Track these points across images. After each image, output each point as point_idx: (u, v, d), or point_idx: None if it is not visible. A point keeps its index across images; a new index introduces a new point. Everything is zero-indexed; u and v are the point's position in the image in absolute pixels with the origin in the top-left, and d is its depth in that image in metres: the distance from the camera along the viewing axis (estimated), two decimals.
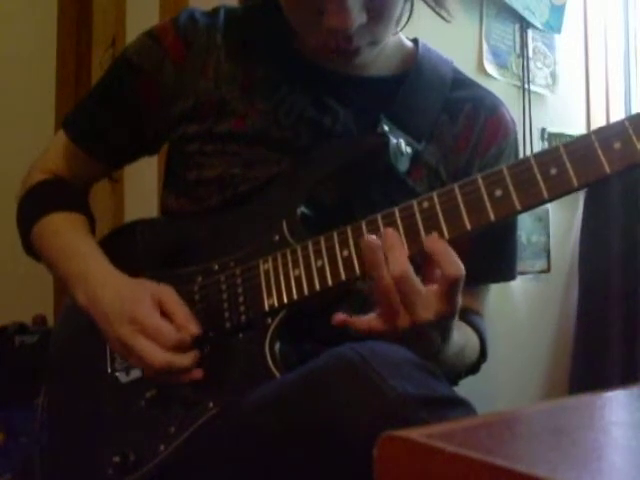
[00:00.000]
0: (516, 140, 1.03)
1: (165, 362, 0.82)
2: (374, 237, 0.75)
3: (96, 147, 1.04)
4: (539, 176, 0.70)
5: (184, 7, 1.61)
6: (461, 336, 0.88)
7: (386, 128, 0.90)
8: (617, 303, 1.86)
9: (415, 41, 1.02)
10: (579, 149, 0.70)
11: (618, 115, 2.03)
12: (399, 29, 0.95)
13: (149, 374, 0.86)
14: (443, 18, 0.96)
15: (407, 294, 0.72)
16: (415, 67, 0.97)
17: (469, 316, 0.96)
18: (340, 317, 0.76)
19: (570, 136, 1.92)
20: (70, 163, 1.06)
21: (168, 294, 0.87)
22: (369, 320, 0.76)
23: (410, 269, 0.73)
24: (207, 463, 0.80)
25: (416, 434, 0.37)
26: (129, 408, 0.88)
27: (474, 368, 0.97)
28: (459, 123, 0.97)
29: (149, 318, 0.84)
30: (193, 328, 0.85)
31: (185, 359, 0.83)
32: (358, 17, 0.82)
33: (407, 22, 0.92)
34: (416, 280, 0.73)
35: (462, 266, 0.72)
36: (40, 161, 1.09)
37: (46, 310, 2.08)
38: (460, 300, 0.74)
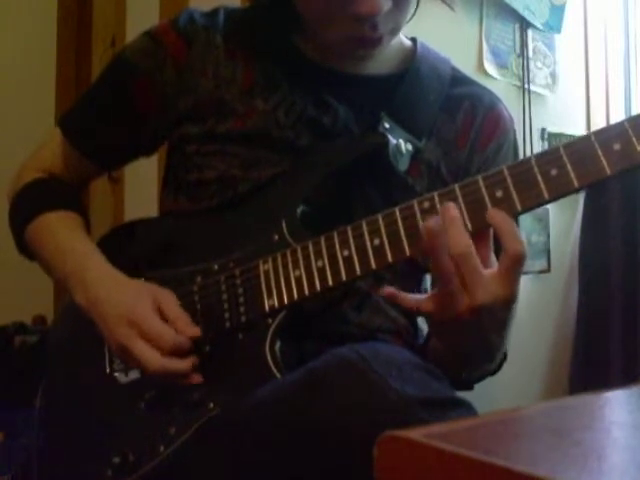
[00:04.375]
0: (515, 137, 1.04)
1: (161, 366, 0.82)
2: (433, 221, 0.70)
3: (92, 147, 1.04)
4: (540, 177, 0.71)
5: (184, 7, 1.61)
6: None
7: (387, 126, 0.90)
8: (617, 303, 1.86)
9: (413, 40, 1.03)
10: (579, 150, 0.70)
11: (618, 115, 2.03)
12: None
13: (148, 375, 0.85)
14: (449, 6, 0.97)
15: (468, 273, 0.69)
16: (414, 65, 0.98)
17: None
18: (389, 290, 0.73)
19: (570, 136, 1.92)
20: (65, 162, 1.05)
21: (168, 299, 0.87)
22: (419, 301, 0.73)
23: (472, 247, 0.69)
24: (207, 464, 0.80)
25: (416, 434, 0.37)
26: (128, 409, 0.88)
27: (498, 368, 0.95)
28: (458, 120, 0.98)
29: (148, 321, 0.84)
30: (192, 331, 0.84)
31: (182, 364, 0.83)
32: (385, 3, 0.84)
33: (414, 13, 0.92)
34: (478, 259, 0.69)
35: (525, 245, 0.69)
36: (32, 160, 1.08)
37: (46, 310, 2.08)
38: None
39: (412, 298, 0.74)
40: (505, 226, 0.70)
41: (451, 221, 0.70)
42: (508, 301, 0.71)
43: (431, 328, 0.79)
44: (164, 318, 0.85)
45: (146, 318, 0.84)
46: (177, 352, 0.83)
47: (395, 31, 0.91)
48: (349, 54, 0.93)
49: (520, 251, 0.69)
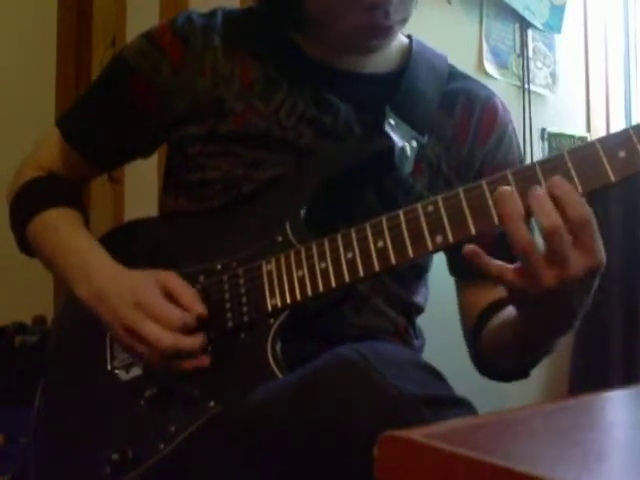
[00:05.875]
0: (514, 130, 1.05)
1: (172, 343, 0.82)
2: (508, 187, 0.70)
3: (91, 147, 1.04)
4: (544, 182, 0.70)
5: (184, 7, 1.61)
6: None
7: (392, 122, 0.90)
8: (617, 303, 1.86)
9: (409, 38, 1.03)
10: (584, 156, 0.70)
11: (618, 115, 2.03)
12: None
13: (155, 362, 0.85)
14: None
15: (558, 249, 0.67)
16: (412, 62, 0.99)
17: None
18: (471, 248, 0.71)
19: (570, 136, 1.92)
20: (64, 162, 1.05)
21: (172, 277, 0.88)
22: (502, 270, 0.71)
23: (562, 222, 0.67)
24: (207, 462, 0.80)
25: (416, 434, 0.37)
26: (129, 406, 0.88)
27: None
28: (456, 115, 0.99)
29: (154, 301, 0.84)
30: (199, 308, 0.85)
31: (192, 341, 0.83)
32: None
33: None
34: (567, 234, 0.67)
35: (589, 211, 0.68)
36: (32, 159, 1.08)
37: (46, 310, 2.08)
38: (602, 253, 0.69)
39: (495, 265, 0.72)
40: (567, 195, 0.68)
41: (568, 192, 0.68)
42: (595, 268, 0.69)
43: (512, 299, 0.76)
44: (169, 296, 0.85)
45: (151, 299, 0.85)
46: (185, 330, 0.83)
47: (404, 22, 0.92)
48: (360, 46, 0.94)
49: (586, 215, 0.67)
